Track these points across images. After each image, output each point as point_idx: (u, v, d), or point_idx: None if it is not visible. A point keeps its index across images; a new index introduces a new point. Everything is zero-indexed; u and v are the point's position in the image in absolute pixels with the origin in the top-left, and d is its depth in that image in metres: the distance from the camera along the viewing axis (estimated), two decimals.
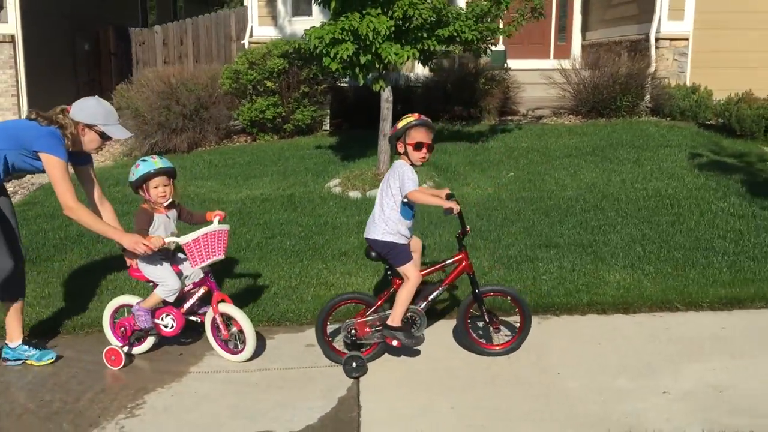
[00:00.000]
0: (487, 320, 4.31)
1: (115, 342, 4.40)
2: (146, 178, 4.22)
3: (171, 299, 4.27)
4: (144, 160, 4.29)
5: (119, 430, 3.56)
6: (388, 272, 4.28)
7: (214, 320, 4.31)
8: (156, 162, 4.26)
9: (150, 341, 4.47)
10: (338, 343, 4.36)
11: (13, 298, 4.36)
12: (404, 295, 4.15)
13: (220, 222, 4.32)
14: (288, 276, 5.61)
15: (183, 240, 4.18)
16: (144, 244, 4.06)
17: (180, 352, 4.48)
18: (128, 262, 4.38)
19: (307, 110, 11.40)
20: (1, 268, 4.28)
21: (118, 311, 4.52)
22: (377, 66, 7.88)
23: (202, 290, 4.35)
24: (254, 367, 4.25)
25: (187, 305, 4.34)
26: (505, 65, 12.89)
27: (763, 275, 5.34)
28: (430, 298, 4.32)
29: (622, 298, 5.03)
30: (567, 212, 6.96)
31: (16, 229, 4.42)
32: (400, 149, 4.20)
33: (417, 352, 4.40)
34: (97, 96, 4.40)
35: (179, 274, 4.33)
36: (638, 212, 6.88)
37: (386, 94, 8.31)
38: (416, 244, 4.39)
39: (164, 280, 4.24)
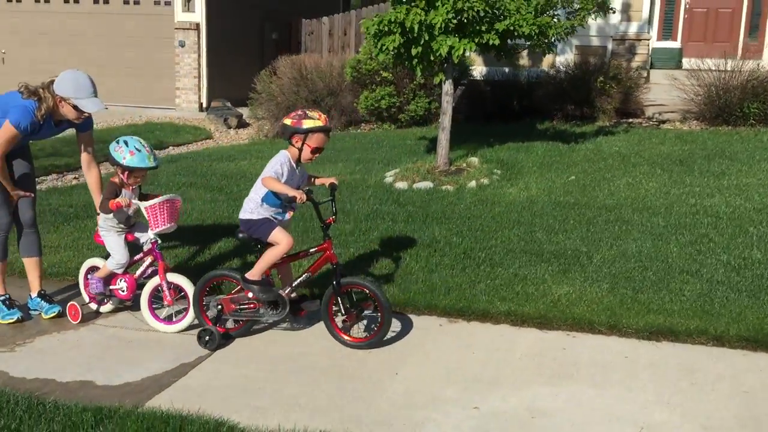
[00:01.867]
0: (343, 311, 4.35)
1: (86, 298, 4.96)
2: (134, 169, 4.62)
3: (119, 271, 4.77)
4: (138, 151, 4.57)
5: None
6: (257, 250, 4.46)
7: (155, 288, 4.67)
8: (150, 161, 4.61)
9: (114, 301, 4.91)
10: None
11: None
12: (271, 254, 4.34)
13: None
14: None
15: (145, 204, 4.64)
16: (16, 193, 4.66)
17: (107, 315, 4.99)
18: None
19: (421, 101, 11.56)
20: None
21: (90, 270, 5.14)
22: (432, 59, 7.87)
23: (149, 259, 4.80)
24: (145, 328, 4.68)
25: (138, 272, 4.83)
26: (679, 64, 11.89)
27: (729, 311, 4.67)
28: (294, 284, 4.48)
29: (543, 313, 4.72)
30: (584, 221, 6.51)
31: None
32: (296, 144, 4.36)
33: (283, 337, 4.58)
34: (76, 69, 4.70)
35: (134, 241, 4.82)
36: (660, 228, 6.25)
37: (446, 88, 8.27)
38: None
39: (115, 252, 4.72)
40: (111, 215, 4.69)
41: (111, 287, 4.78)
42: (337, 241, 6.08)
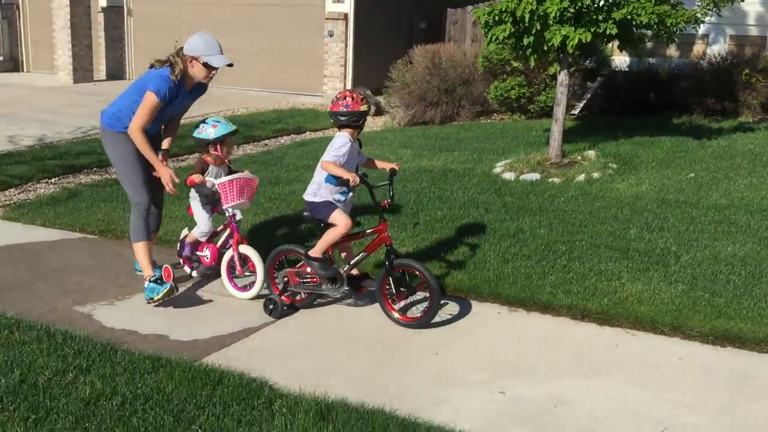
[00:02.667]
0: (394, 291, 4.55)
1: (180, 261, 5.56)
2: (223, 138, 5.08)
3: (202, 239, 5.26)
4: (218, 120, 5.10)
5: (90, 310, 4.80)
6: (321, 227, 4.71)
7: (231, 258, 5.18)
8: (230, 126, 5.09)
9: (203, 267, 5.41)
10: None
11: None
12: (330, 234, 4.60)
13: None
14: None
15: (218, 180, 5.14)
16: (168, 182, 4.88)
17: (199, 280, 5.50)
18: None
19: (551, 92, 11.33)
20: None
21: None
22: (545, 49, 7.78)
23: (228, 231, 5.29)
24: (225, 294, 5.12)
25: (220, 241, 5.33)
26: None
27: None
28: (352, 262, 4.73)
29: (606, 309, 4.65)
30: (686, 220, 6.23)
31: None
32: (355, 123, 4.63)
33: (344, 311, 4.84)
34: (201, 31, 4.96)
35: (218, 213, 5.32)
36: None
37: (561, 78, 8.13)
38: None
39: (199, 221, 5.23)
40: (195, 189, 5.15)
41: (198, 253, 5.28)
42: (425, 226, 6.27)
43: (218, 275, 5.31)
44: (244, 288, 5.08)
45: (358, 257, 4.72)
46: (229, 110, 13.69)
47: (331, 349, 4.28)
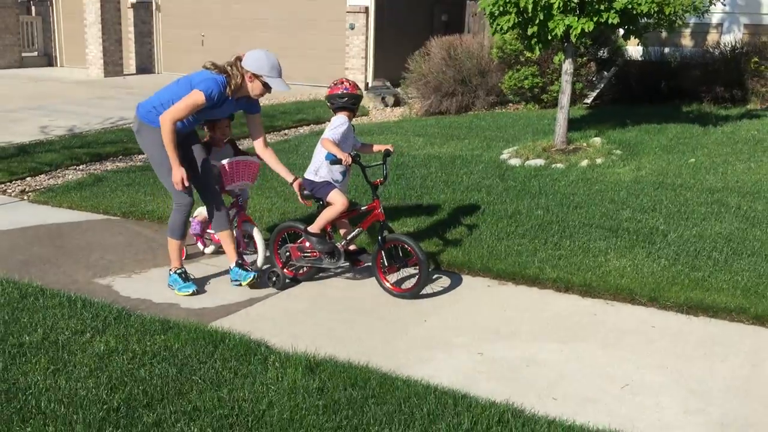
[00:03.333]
0: (386, 264, 4.87)
1: (192, 239, 5.96)
2: (214, 120, 5.60)
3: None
4: None
5: (110, 282, 5.20)
6: (318, 207, 5.06)
7: (238, 236, 5.59)
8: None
9: (212, 247, 5.90)
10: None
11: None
12: (329, 212, 4.93)
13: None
14: None
15: (218, 163, 5.51)
16: (178, 183, 4.78)
17: (210, 255, 5.89)
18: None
19: None
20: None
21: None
22: (549, 38, 8.02)
23: (234, 210, 5.66)
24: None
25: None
26: None
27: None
28: (348, 237, 5.08)
29: (589, 282, 4.93)
30: (680, 202, 6.45)
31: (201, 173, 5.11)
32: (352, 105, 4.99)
33: (343, 284, 5.18)
34: (266, 50, 4.89)
35: (230, 193, 5.67)
36: (756, 212, 6.09)
37: (566, 67, 8.35)
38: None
39: None
40: None
41: (208, 231, 5.65)
42: (428, 208, 6.57)
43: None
44: (251, 263, 5.44)
45: (354, 232, 5.06)
46: None
47: (328, 316, 4.61)
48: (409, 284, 4.98)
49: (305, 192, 5.08)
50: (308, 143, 10.00)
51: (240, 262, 5.17)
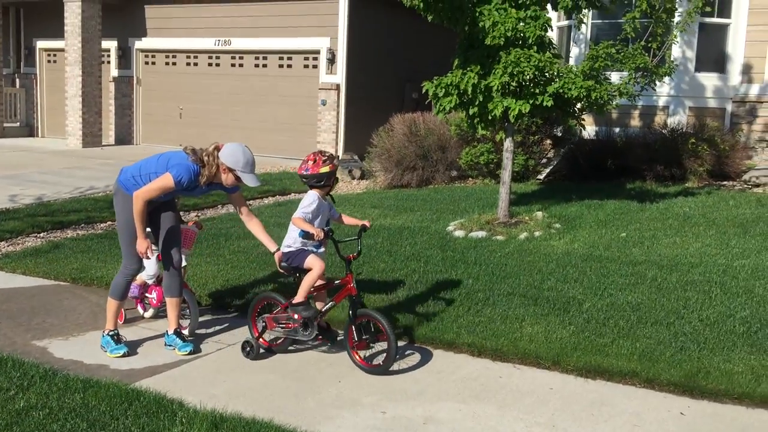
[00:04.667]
0: (355, 339, 4.97)
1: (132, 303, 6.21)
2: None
3: (150, 281, 5.94)
4: None
5: (47, 344, 5.43)
6: (294, 281, 5.24)
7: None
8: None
9: (151, 311, 6.18)
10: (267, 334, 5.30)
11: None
12: (309, 278, 5.05)
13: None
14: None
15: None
16: (143, 252, 5.16)
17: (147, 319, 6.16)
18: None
19: (518, 159, 12.08)
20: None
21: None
22: (489, 119, 8.52)
23: None
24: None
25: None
26: None
27: (672, 359, 4.90)
28: (323, 310, 5.20)
29: (499, 347, 5.22)
30: (602, 274, 6.81)
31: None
32: (329, 182, 5.14)
33: (304, 352, 5.41)
34: (244, 145, 5.18)
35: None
36: (670, 283, 6.43)
37: (507, 145, 8.84)
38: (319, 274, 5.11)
39: (147, 266, 5.87)
40: None
41: (147, 295, 5.92)
42: (365, 276, 6.89)
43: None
44: (185, 327, 5.70)
45: (327, 306, 5.20)
46: None
47: (248, 378, 4.86)
48: (379, 360, 5.00)
49: (283, 264, 5.20)
50: (267, 213, 10.37)
51: (179, 330, 5.44)
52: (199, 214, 10.62)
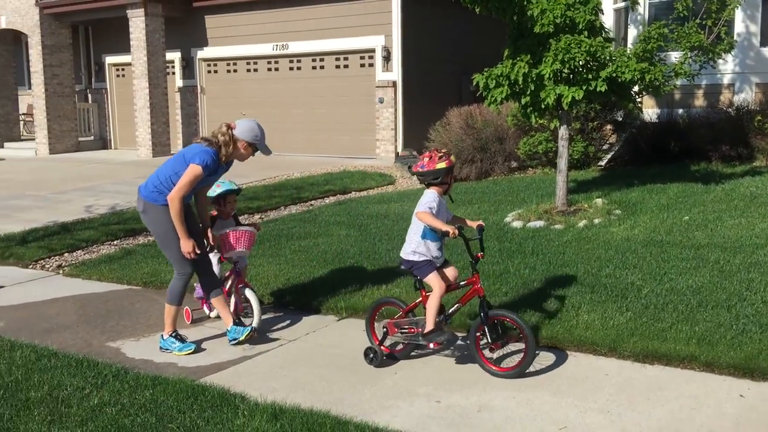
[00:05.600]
0: (489, 341, 4.77)
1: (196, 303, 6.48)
2: (224, 195, 6.17)
3: None
4: (222, 181, 6.17)
5: (120, 345, 5.73)
6: (416, 284, 5.03)
7: (236, 300, 6.04)
8: (232, 184, 6.19)
9: (215, 311, 6.39)
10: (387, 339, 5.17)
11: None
12: (432, 303, 4.86)
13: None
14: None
15: (218, 233, 6.05)
16: (189, 252, 5.36)
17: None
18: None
19: (577, 146, 11.93)
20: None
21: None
22: (542, 107, 8.47)
23: (232, 276, 6.17)
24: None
25: (227, 284, 6.22)
26: None
27: (731, 341, 4.82)
28: (448, 313, 5.02)
29: (555, 335, 5.23)
30: (662, 259, 6.71)
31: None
32: (446, 179, 4.89)
33: (329, 343, 5.57)
34: (256, 120, 5.55)
35: (226, 262, 6.19)
36: (733, 266, 6.30)
37: (561, 132, 8.77)
38: (452, 274, 5.03)
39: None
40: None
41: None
42: (394, 261, 6.95)
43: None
44: (242, 324, 5.90)
45: (453, 308, 5.01)
46: (284, 175, 14.86)
47: (307, 372, 5.02)
48: (511, 362, 4.85)
49: (402, 267, 5.06)
50: (327, 212, 10.56)
51: (237, 321, 5.65)
52: (263, 216, 10.90)
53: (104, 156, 20.56)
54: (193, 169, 5.27)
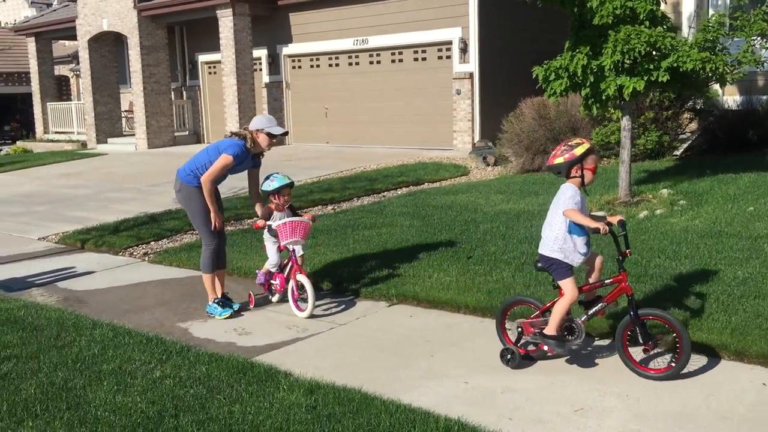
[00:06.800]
0: (642, 342, 4.57)
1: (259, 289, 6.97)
2: (280, 189, 6.68)
3: (273, 270, 6.66)
4: (277, 176, 6.68)
5: (188, 326, 6.27)
6: (553, 283, 4.89)
7: (293, 285, 6.50)
8: (285, 179, 6.60)
9: (277, 296, 6.88)
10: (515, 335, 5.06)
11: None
12: (560, 307, 4.69)
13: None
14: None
15: (275, 223, 6.51)
16: (213, 221, 6.27)
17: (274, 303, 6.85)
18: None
19: (651, 135, 11.78)
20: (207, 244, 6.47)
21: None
22: (603, 98, 8.49)
23: (290, 264, 6.61)
24: (291, 314, 6.39)
25: (286, 272, 6.67)
26: None
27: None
28: (590, 312, 4.82)
29: (593, 323, 5.36)
30: (715, 249, 6.68)
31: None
32: (576, 173, 4.69)
33: (374, 326, 5.90)
34: (264, 114, 6.73)
35: (285, 250, 6.64)
36: None
37: (624, 123, 8.75)
38: (597, 262, 4.87)
39: (270, 256, 6.65)
40: (266, 231, 6.51)
41: (271, 282, 6.61)
42: (475, 259, 7.20)
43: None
44: (304, 309, 6.32)
45: (597, 307, 4.78)
46: (361, 167, 15.28)
47: (352, 353, 5.38)
48: (662, 363, 4.67)
49: (539, 265, 4.89)
50: (396, 203, 10.89)
51: (220, 300, 6.37)
52: (335, 207, 11.35)
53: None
54: (225, 158, 6.18)
